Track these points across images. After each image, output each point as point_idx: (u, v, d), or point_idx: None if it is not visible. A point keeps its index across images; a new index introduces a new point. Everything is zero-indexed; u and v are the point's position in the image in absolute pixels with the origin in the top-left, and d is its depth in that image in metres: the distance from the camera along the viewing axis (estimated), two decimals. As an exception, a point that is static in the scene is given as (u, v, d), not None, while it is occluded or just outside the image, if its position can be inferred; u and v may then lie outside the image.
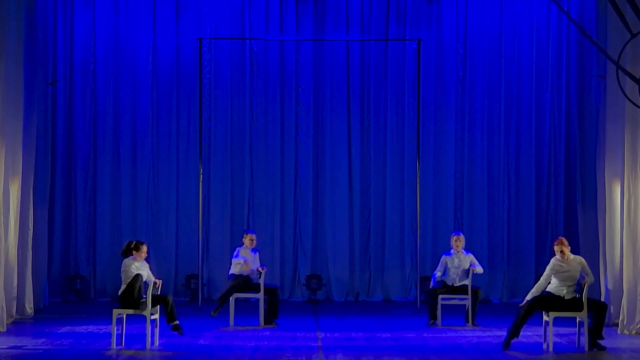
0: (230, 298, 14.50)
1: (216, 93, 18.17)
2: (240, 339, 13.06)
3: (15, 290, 14.57)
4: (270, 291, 14.54)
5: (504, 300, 17.92)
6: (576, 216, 17.06)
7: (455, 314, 14.79)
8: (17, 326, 14.30)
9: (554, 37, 18.07)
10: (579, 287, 12.40)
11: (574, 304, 12.21)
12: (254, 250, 14.81)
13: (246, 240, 14.78)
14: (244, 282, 14.56)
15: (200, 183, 17.36)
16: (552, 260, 12.35)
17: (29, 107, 15.02)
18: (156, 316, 12.52)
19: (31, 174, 15.38)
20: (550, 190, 18.15)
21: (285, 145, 18.29)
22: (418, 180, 17.27)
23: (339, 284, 18.17)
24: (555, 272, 12.26)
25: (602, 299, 14.92)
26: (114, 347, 12.28)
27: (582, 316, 12.17)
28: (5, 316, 13.90)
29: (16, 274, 14.57)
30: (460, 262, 14.65)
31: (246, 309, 15.42)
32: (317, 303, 17.57)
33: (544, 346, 12.37)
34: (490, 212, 18.18)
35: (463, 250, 14.76)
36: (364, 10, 18.20)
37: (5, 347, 12.32)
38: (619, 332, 13.76)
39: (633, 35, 13.06)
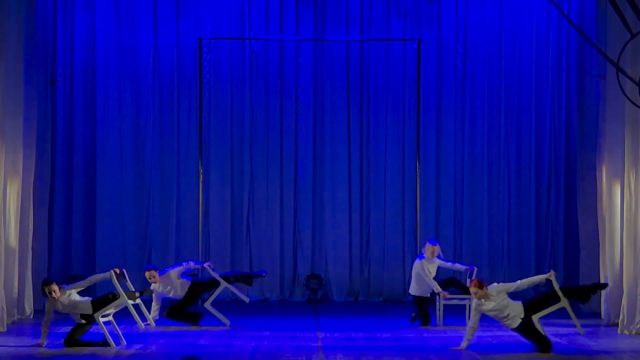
0: (229, 296, 14.50)
1: (216, 93, 18.16)
2: (240, 339, 13.06)
3: (16, 290, 14.57)
4: (232, 277, 14.59)
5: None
6: (576, 216, 17.06)
7: (456, 314, 14.78)
8: (17, 326, 14.31)
9: (554, 37, 18.07)
10: (534, 291, 12.48)
11: (550, 297, 12.26)
12: (186, 277, 14.65)
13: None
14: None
15: (200, 183, 17.36)
16: (474, 302, 12.21)
17: (29, 107, 15.03)
18: (137, 301, 12.75)
19: (31, 174, 15.38)
20: (550, 190, 18.15)
21: (285, 145, 18.28)
22: (418, 180, 17.28)
23: (338, 284, 18.16)
24: (483, 312, 12.17)
25: (602, 299, 14.95)
26: (114, 346, 12.29)
27: (564, 305, 12.17)
28: (5, 316, 13.90)
29: (16, 274, 14.57)
30: (430, 270, 14.67)
31: (246, 309, 15.43)
32: (317, 303, 17.57)
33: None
34: (490, 212, 18.17)
35: (435, 257, 14.75)
36: (364, 10, 18.19)
37: (5, 347, 12.33)
38: (619, 332, 13.76)
39: (633, 35, 13.05)
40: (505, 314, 12.04)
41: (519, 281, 12.47)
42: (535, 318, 12.14)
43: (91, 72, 18.04)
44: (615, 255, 14.43)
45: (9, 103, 14.14)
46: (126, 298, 12.48)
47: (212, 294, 14.57)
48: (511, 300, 12.11)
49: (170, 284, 14.43)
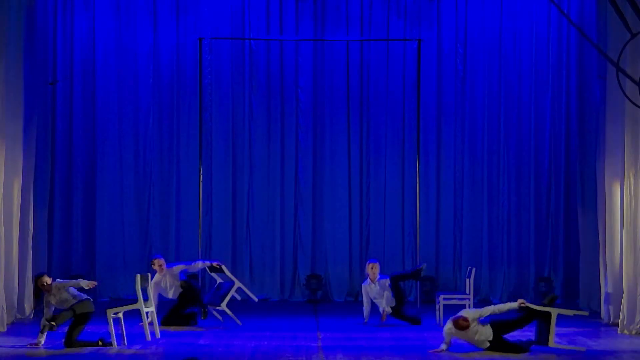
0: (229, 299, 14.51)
1: (216, 93, 18.16)
2: (240, 339, 13.06)
3: (16, 290, 14.57)
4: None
5: (504, 301, 17.88)
6: (576, 216, 17.06)
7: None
8: (17, 326, 14.30)
9: (554, 37, 18.07)
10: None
11: (522, 321, 12.29)
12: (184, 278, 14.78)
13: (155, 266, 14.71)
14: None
15: (201, 183, 17.36)
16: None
17: (29, 107, 15.02)
18: (151, 308, 12.89)
19: (31, 174, 15.37)
20: (550, 190, 18.14)
21: (285, 145, 18.29)
22: (418, 180, 17.28)
23: (338, 284, 18.16)
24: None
25: (602, 300, 14.94)
26: (115, 346, 12.30)
27: (556, 314, 12.17)
28: (5, 316, 13.91)
29: (16, 274, 14.57)
30: (379, 290, 14.64)
31: (246, 309, 15.43)
32: (317, 303, 17.57)
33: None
34: (490, 212, 18.17)
35: (379, 276, 14.73)
36: (363, 9, 18.19)
37: (5, 347, 12.33)
38: (619, 332, 13.77)
39: (633, 35, 13.06)
40: (475, 338, 12.13)
41: (492, 307, 12.42)
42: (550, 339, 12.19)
43: (91, 72, 18.04)
44: (615, 255, 14.42)
45: (9, 103, 14.14)
46: (142, 305, 12.57)
47: (227, 294, 14.56)
48: (480, 326, 12.16)
49: (172, 280, 14.46)
